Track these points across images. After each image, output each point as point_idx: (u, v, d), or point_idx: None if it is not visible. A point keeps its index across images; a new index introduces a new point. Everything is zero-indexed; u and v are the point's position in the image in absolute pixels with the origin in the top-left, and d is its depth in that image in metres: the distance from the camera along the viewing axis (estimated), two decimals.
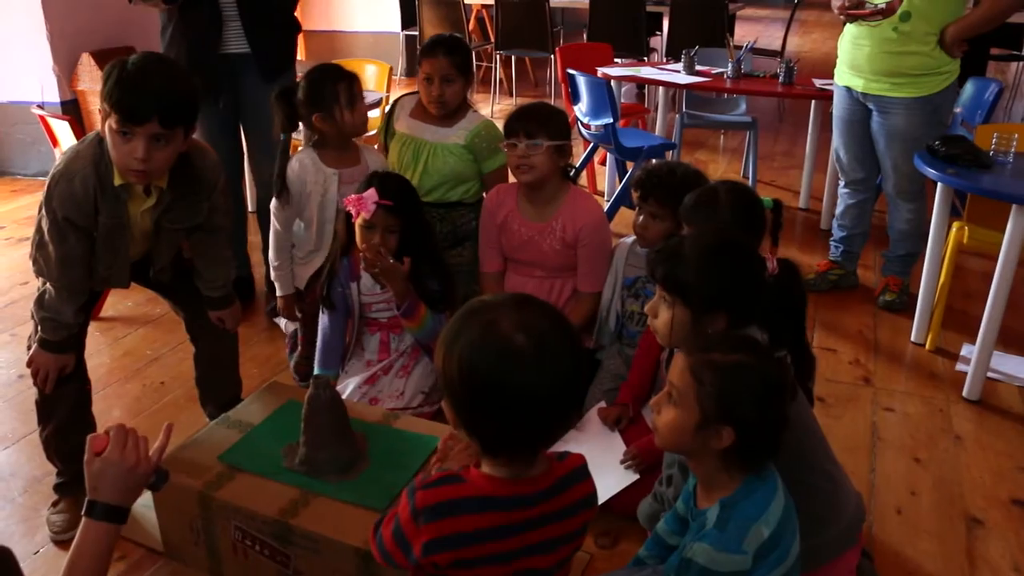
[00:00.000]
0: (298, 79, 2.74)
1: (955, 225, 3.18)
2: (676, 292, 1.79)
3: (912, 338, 3.31)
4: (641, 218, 2.54)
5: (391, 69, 4.65)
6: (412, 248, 2.47)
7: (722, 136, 6.68)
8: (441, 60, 2.85)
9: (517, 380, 1.24)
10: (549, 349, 1.25)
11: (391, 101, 3.14)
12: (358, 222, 2.43)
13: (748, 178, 5.19)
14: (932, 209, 3.14)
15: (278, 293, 2.83)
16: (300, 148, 2.83)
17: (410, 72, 8.40)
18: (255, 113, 3.16)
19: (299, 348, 2.87)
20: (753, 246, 1.89)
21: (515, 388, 1.24)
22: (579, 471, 1.44)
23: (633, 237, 2.68)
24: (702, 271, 1.77)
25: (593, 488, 1.45)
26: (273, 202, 2.75)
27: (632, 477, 2.26)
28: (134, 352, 3.13)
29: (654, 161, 4.61)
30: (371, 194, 2.38)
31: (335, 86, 2.63)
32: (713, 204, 2.16)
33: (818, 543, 1.83)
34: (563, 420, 1.32)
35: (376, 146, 3.30)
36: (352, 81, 2.68)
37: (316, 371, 2.64)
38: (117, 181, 2.00)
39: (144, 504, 2.20)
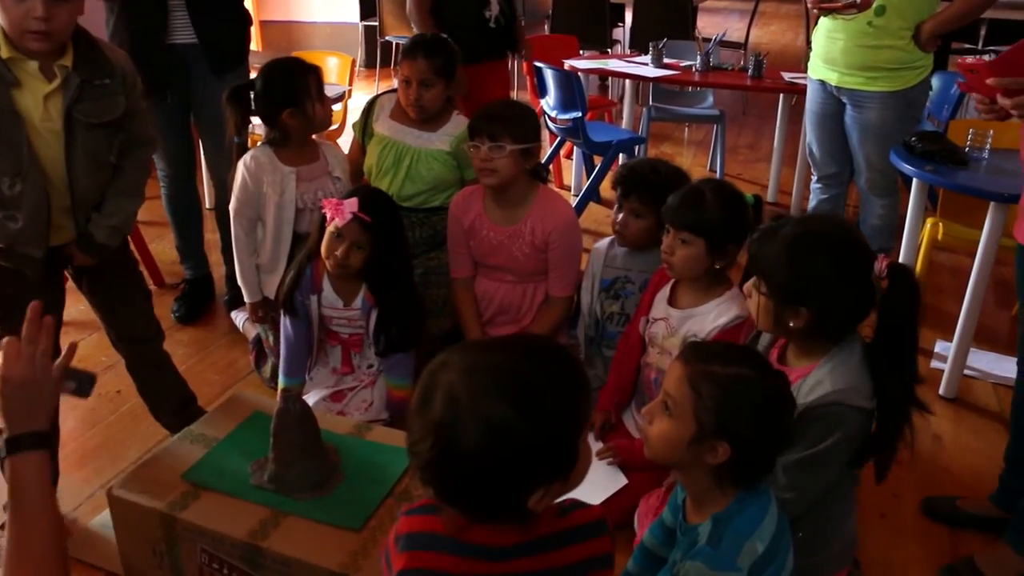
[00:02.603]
0: (252, 74, 2.62)
1: (929, 221, 3.16)
2: (761, 275, 1.71)
3: None
4: (621, 216, 2.47)
5: (354, 61, 4.53)
6: (378, 276, 2.37)
7: (687, 129, 6.65)
8: (420, 62, 2.72)
9: (443, 432, 1.08)
10: (473, 395, 1.07)
11: (370, 99, 3.00)
12: (329, 228, 2.32)
13: (716, 172, 5.16)
14: (906, 204, 3.12)
15: (246, 300, 2.72)
16: (257, 144, 2.70)
17: (369, 63, 8.24)
18: (208, 108, 3.01)
19: (270, 359, 2.76)
20: (856, 244, 1.70)
21: (441, 441, 1.08)
22: (589, 528, 1.24)
23: (608, 239, 2.61)
24: (788, 256, 1.66)
25: (610, 547, 1.27)
26: (232, 212, 2.63)
27: (619, 482, 2.20)
28: (87, 359, 2.97)
29: (634, 158, 4.58)
30: (352, 203, 2.28)
31: (305, 79, 2.52)
32: (700, 205, 2.10)
33: (819, 560, 1.78)
34: (517, 471, 1.09)
35: (343, 143, 3.19)
36: (318, 74, 2.59)
37: (281, 380, 2.53)
38: (4, 53, 1.82)
39: (102, 524, 2.11)
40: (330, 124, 2.69)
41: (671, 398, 1.46)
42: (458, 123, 2.84)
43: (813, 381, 1.66)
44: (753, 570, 1.43)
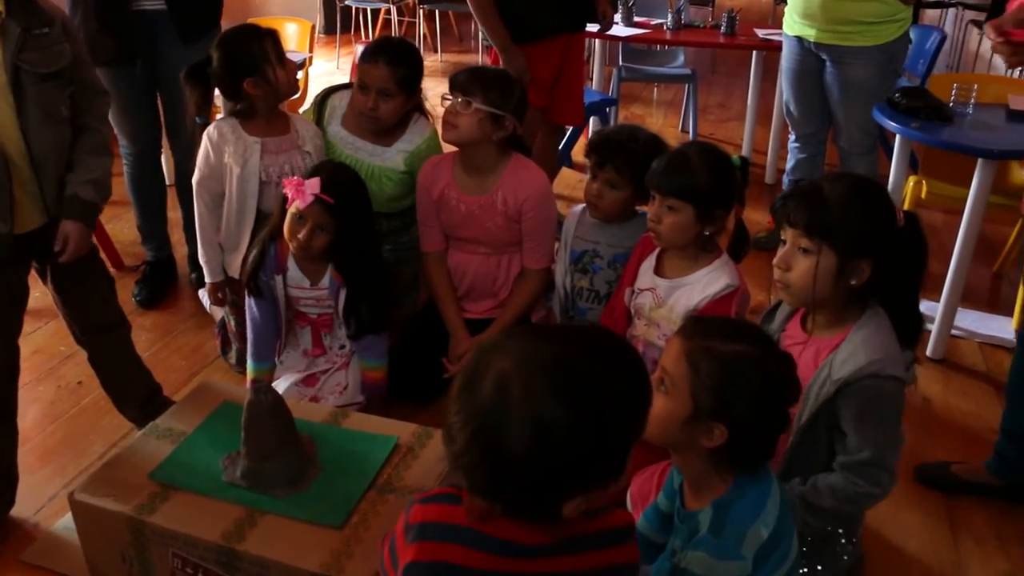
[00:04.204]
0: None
1: (912, 179, 3.09)
2: (821, 235, 1.63)
3: None
4: (596, 186, 2.35)
5: (313, 27, 4.36)
6: (345, 258, 2.26)
7: (655, 90, 6.53)
8: (381, 69, 2.47)
9: (488, 420, 1.02)
10: (526, 389, 1.00)
11: (319, 94, 2.78)
12: (291, 209, 2.19)
13: (688, 132, 5.07)
14: (887, 163, 3.05)
15: (207, 280, 2.58)
16: (218, 117, 2.56)
17: (329, 29, 8.01)
18: (175, 76, 2.85)
19: (234, 344, 2.64)
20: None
21: (485, 431, 1.02)
22: (615, 533, 1.18)
23: (582, 206, 2.50)
24: (850, 209, 1.61)
25: (636, 557, 1.21)
26: (195, 185, 2.49)
27: None
28: (45, 349, 2.83)
29: (606, 121, 4.47)
30: (313, 183, 2.15)
31: (262, 44, 2.37)
32: (687, 170, 2.01)
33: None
34: (560, 477, 1.03)
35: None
36: (275, 37, 2.44)
37: (250, 365, 2.40)
38: None
39: (66, 527, 1.99)
40: (296, 89, 2.55)
41: (667, 374, 1.39)
42: (415, 134, 2.65)
43: (846, 353, 1.63)
44: (759, 556, 1.37)
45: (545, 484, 1.02)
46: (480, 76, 2.43)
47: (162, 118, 3.10)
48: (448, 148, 2.56)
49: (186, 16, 2.84)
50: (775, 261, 1.72)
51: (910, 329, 1.76)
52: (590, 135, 3.37)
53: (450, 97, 2.41)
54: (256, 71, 2.37)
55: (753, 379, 1.33)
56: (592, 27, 3.82)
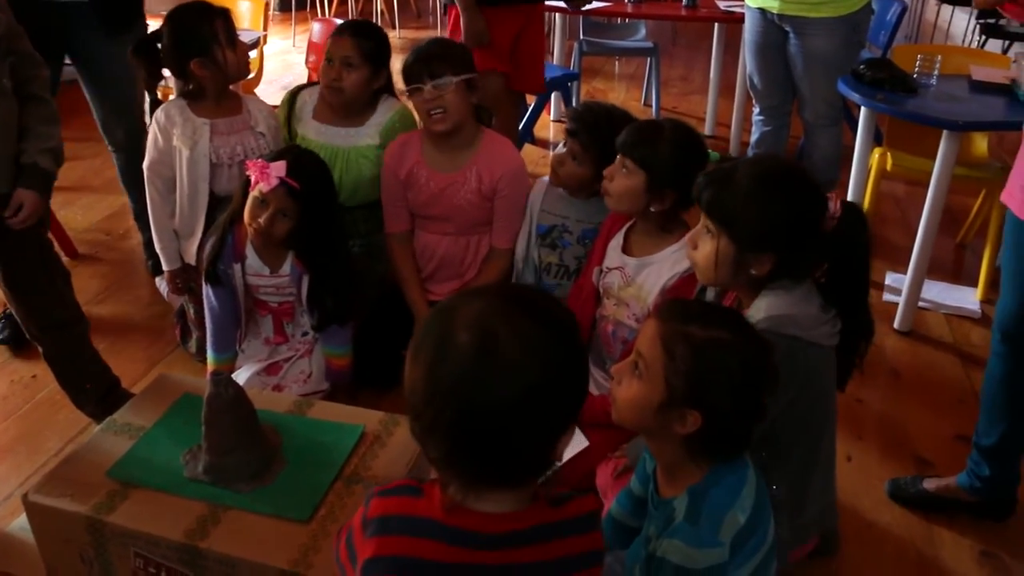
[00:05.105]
0: (151, 30, 2.38)
1: (876, 151, 3.08)
2: (722, 222, 1.59)
3: None
4: (563, 152, 2.31)
5: (267, 4, 4.24)
6: (306, 245, 2.19)
7: (617, 63, 6.48)
8: (345, 40, 2.46)
9: (453, 387, 1.00)
10: (502, 352, 0.99)
11: (289, 92, 2.71)
12: (253, 192, 2.12)
13: (651, 106, 5.03)
14: (852, 137, 3.04)
15: (164, 267, 2.51)
16: (169, 98, 2.48)
17: (284, 7, 7.85)
18: (98, 68, 2.75)
19: (194, 332, 2.57)
20: (813, 184, 1.63)
21: (451, 397, 1.00)
22: (580, 521, 1.15)
23: (547, 178, 2.45)
24: (754, 200, 1.56)
25: (601, 544, 1.18)
26: (146, 170, 2.41)
27: (580, 443, 2.08)
28: None
29: (569, 95, 4.41)
30: (279, 166, 2.08)
31: (212, 24, 2.29)
32: (653, 139, 1.97)
33: (797, 525, 1.71)
34: (526, 446, 1.03)
35: (260, 93, 2.96)
36: (227, 16, 2.36)
37: (210, 355, 2.34)
38: None
39: (23, 528, 1.91)
40: (247, 72, 2.46)
41: (642, 358, 1.35)
42: (385, 110, 2.61)
43: (750, 312, 1.60)
44: (736, 542, 1.33)
45: (540, 425, 1.02)
46: (435, 55, 2.37)
47: (95, 116, 2.91)
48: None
49: (107, 7, 2.67)
50: (686, 237, 1.70)
51: (860, 326, 1.70)
52: (565, 106, 3.32)
53: (419, 87, 2.34)
54: (204, 52, 2.30)
55: (729, 366, 1.29)
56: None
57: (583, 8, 4.18)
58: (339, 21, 2.87)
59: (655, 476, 1.49)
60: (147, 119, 2.51)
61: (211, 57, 2.30)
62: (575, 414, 1.06)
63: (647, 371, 1.34)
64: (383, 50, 2.55)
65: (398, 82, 2.57)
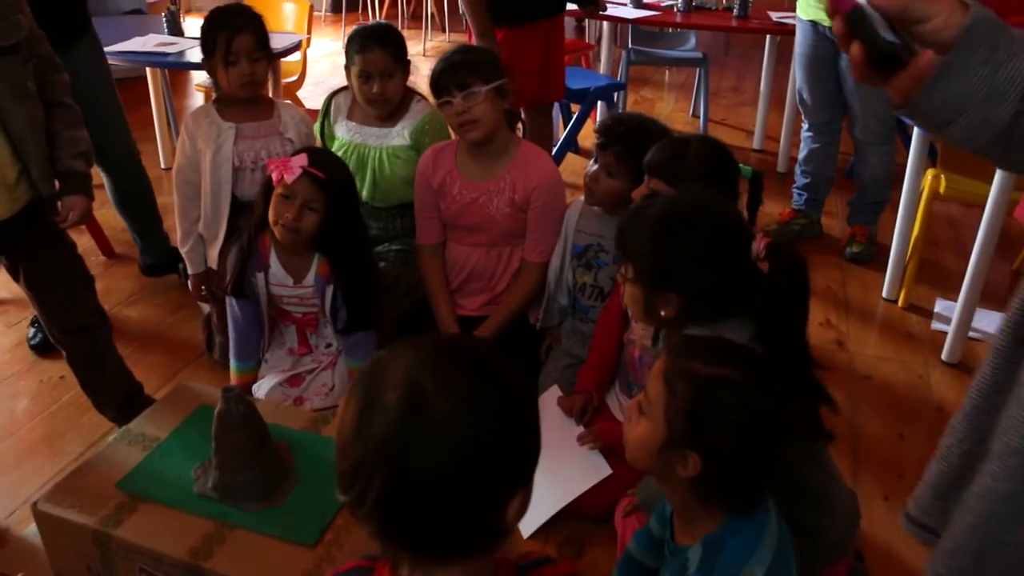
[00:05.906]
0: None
1: (930, 172, 2.96)
2: (628, 259, 1.57)
3: (884, 294, 3.11)
4: (595, 168, 2.25)
5: (311, 7, 4.23)
6: (334, 242, 2.15)
7: (667, 73, 6.38)
8: (377, 54, 2.45)
9: (380, 451, 0.86)
10: (431, 411, 0.85)
11: (326, 98, 2.70)
12: (277, 190, 2.08)
13: (699, 117, 4.93)
14: (902, 154, 2.92)
15: (189, 271, 2.51)
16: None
17: (335, 8, 7.88)
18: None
19: (218, 338, 2.55)
20: (730, 222, 1.56)
21: (380, 462, 0.86)
22: None
23: (583, 197, 2.39)
24: (654, 239, 1.52)
25: None
26: (174, 174, 2.42)
27: (602, 471, 2.02)
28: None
29: (614, 105, 4.34)
30: (300, 158, 2.05)
31: (215, 38, 2.27)
32: (681, 156, 1.89)
33: (810, 554, 1.61)
34: (466, 515, 0.88)
35: (302, 96, 2.93)
36: (236, 33, 2.27)
37: (233, 364, 2.32)
38: None
39: (33, 533, 1.90)
40: (251, 92, 2.37)
41: (646, 396, 1.28)
42: (417, 111, 2.59)
43: None
44: None
45: (487, 480, 0.87)
46: (462, 64, 2.31)
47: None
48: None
49: (48, 21, 2.52)
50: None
51: (805, 390, 1.55)
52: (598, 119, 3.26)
53: (448, 100, 2.30)
54: (208, 60, 2.33)
55: (730, 406, 1.20)
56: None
57: (598, 12, 4.13)
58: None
59: (671, 519, 1.42)
60: None
61: (211, 69, 2.32)
62: (524, 476, 0.91)
63: (650, 409, 1.27)
64: (404, 46, 2.56)
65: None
